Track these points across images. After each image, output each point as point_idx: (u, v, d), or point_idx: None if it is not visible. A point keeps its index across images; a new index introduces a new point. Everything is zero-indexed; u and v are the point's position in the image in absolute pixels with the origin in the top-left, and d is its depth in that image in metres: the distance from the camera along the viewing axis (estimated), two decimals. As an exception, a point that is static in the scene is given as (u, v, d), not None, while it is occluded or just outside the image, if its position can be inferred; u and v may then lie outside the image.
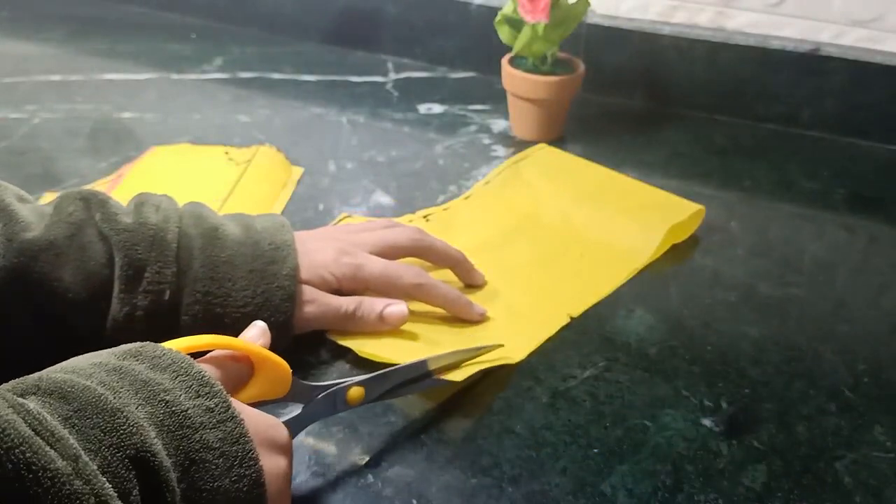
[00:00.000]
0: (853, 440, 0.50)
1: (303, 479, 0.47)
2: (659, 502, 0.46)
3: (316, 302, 0.55)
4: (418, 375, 0.51)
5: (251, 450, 0.37)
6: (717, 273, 0.65)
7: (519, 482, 0.47)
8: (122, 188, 0.72)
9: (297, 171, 0.77)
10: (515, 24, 0.79)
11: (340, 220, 0.69)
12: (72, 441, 0.31)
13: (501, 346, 0.55)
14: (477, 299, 0.60)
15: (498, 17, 0.80)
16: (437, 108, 0.90)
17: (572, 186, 0.74)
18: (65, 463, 0.30)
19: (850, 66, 0.82)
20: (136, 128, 0.85)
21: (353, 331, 0.56)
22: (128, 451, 0.33)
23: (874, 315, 0.61)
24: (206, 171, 0.76)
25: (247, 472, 0.37)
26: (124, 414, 0.34)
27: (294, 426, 0.46)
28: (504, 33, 0.80)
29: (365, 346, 0.55)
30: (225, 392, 0.38)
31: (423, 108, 0.90)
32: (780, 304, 0.62)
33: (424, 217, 0.70)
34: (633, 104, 0.92)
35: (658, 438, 0.50)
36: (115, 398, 0.34)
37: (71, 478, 0.30)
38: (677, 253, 0.67)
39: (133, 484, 0.32)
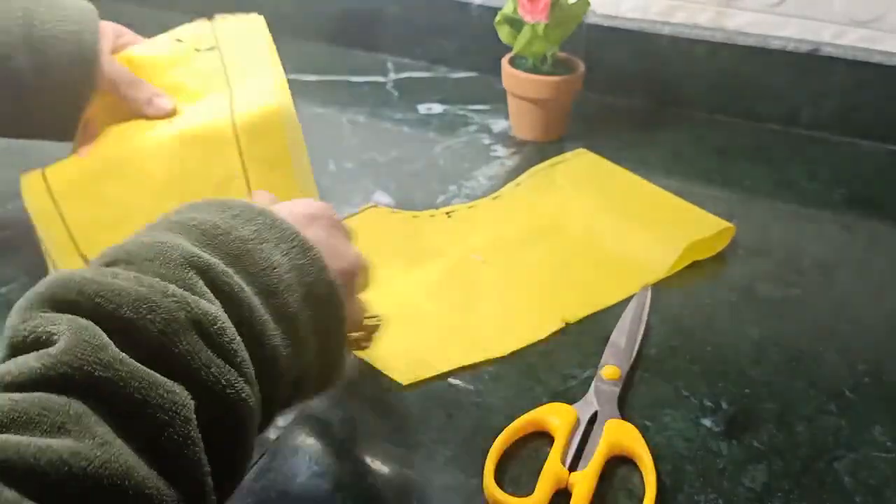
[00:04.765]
0: (853, 440, 0.51)
1: (303, 479, 0.48)
2: (659, 502, 0.46)
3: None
4: None
5: (288, 227, 0.41)
6: (717, 273, 0.65)
7: (519, 482, 0.47)
8: (104, 179, 0.60)
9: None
10: (515, 24, 0.79)
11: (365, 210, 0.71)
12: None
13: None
14: (481, 297, 0.61)
15: (498, 17, 0.80)
16: (437, 108, 0.90)
17: (601, 195, 0.73)
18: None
19: (850, 66, 0.82)
20: (137, 128, 0.85)
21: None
22: (177, 261, 0.36)
23: (874, 315, 0.61)
24: (198, 161, 0.59)
25: (294, 244, 0.40)
26: (163, 241, 0.37)
27: None
28: (504, 33, 0.80)
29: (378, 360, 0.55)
30: (245, 200, 0.42)
31: (423, 108, 0.90)
32: (780, 304, 0.62)
33: (447, 213, 0.70)
34: (634, 104, 0.92)
35: (658, 438, 0.50)
36: (150, 237, 0.37)
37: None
38: (677, 253, 0.68)
39: (195, 279, 0.35)
